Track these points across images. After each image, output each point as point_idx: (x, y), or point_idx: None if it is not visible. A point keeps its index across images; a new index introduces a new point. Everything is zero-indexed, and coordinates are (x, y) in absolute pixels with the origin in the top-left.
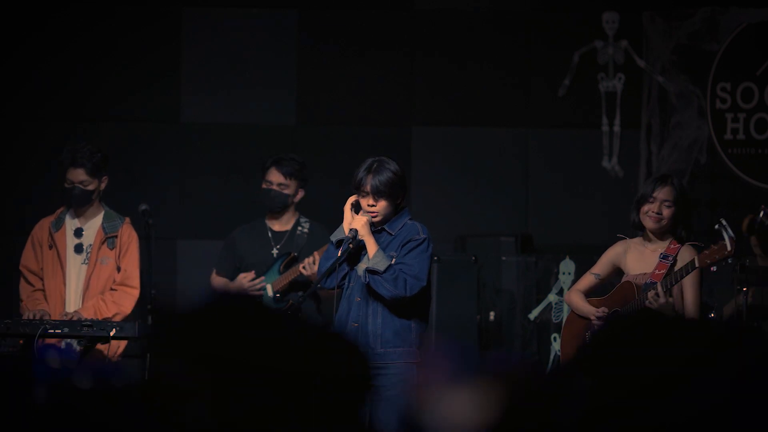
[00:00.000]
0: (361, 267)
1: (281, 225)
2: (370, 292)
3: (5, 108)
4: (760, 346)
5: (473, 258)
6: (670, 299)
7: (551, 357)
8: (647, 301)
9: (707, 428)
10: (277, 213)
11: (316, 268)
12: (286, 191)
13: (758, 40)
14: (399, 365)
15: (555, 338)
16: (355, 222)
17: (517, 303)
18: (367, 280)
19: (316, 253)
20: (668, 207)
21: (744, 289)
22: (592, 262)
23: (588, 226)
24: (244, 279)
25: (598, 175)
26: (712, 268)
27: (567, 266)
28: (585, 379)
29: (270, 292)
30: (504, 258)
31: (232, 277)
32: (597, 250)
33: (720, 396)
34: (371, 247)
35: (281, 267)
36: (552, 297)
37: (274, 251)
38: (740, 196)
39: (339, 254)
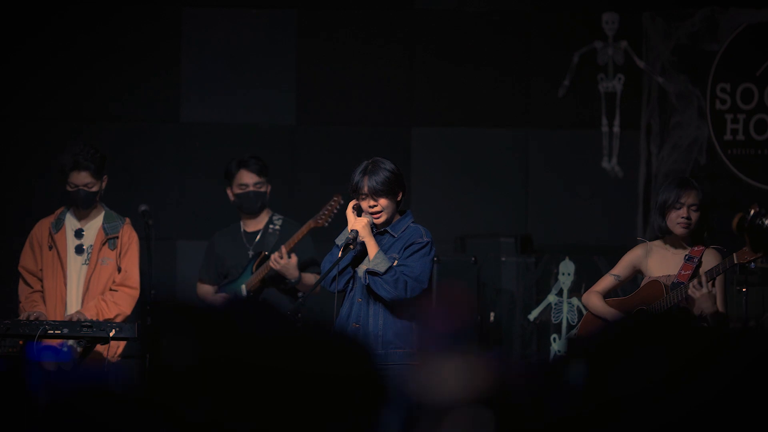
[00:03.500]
0: (362, 269)
1: (254, 225)
2: (371, 293)
3: (5, 108)
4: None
5: (473, 259)
6: (713, 290)
7: (551, 357)
8: (689, 290)
9: (708, 427)
10: (255, 214)
11: (284, 261)
12: (262, 189)
13: (758, 40)
14: (399, 367)
15: (555, 339)
16: (356, 223)
17: (517, 303)
18: (367, 281)
19: (283, 246)
20: (695, 211)
21: (744, 289)
22: (592, 263)
23: (588, 226)
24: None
25: (598, 175)
26: (751, 265)
27: (567, 267)
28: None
29: (244, 291)
30: (504, 258)
31: (217, 283)
32: (597, 250)
33: (721, 395)
34: (372, 248)
35: (254, 267)
36: (552, 297)
37: (250, 252)
38: (740, 197)
39: (339, 255)
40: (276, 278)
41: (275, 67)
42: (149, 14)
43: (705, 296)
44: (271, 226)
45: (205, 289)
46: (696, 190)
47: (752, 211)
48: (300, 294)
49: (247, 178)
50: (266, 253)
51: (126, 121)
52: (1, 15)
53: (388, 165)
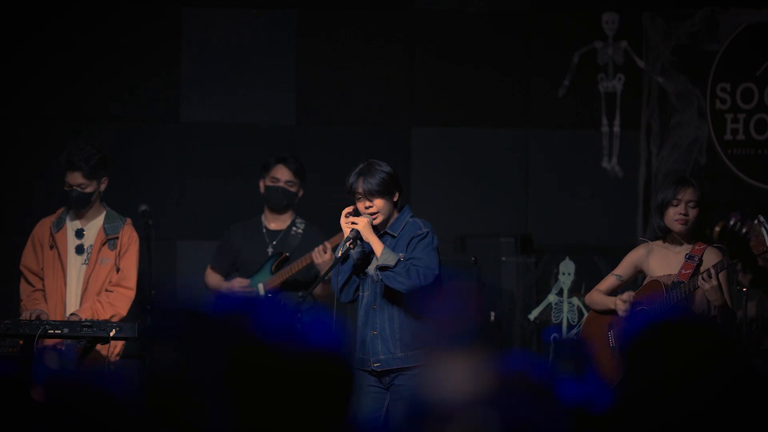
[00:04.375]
0: (372, 268)
1: (277, 224)
2: (386, 295)
3: (5, 108)
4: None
5: (473, 259)
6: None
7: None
8: (699, 280)
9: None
10: (279, 211)
11: (327, 256)
12: (292, 189)
13: (758, 40)
14: (421, 368)
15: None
16: (357, 223)
17: (517, 303)
18: (380, 277)
19: (327, 243)
20: (693, 208)
21: (744, 289)
22: (592, 263)
23: (588, 226)
24: (237, 283)
25: (598, 175)
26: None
27: (567, 266)
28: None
29: (261, 291)
30: (504, 258)
31: (227, 274)
32: (597, 250)
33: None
34: (376, 245)
35: (273, 267)
36: (552, 297)
37: (269, 249)
38: (740, 197)
39: (339, 254)
40: (294, 282)
41: (275, 67)
42: (149, 14)
43: (714, 288)
44: (294, 228)
45: (216, 279)
46: (693, 187)
47: (732, 220)
48: (300, 294)
49: (281, 174)
50: (287, 254)
51: (126, 121)
52: (1, 15)
53: (384, 166)
